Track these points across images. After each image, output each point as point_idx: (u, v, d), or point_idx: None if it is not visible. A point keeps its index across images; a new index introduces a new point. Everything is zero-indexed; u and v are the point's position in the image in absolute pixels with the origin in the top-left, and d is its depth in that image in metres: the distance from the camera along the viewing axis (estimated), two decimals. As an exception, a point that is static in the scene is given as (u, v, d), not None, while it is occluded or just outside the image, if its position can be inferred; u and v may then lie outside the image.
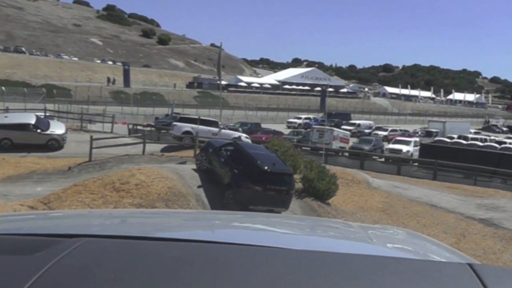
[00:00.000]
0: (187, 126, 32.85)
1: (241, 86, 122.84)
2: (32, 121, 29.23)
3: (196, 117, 35.32)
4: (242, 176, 17.61)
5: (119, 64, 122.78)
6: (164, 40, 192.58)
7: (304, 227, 2.75)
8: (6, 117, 30.11)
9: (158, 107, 70.47)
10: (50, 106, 48.22)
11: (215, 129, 33.08)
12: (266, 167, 17.54)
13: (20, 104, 49.86)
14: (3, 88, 60.81)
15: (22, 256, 1.32)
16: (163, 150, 29.25)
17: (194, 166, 20.43)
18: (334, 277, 1.35)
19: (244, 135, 35.49)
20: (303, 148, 35.44)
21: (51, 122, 31.66)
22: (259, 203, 17.02)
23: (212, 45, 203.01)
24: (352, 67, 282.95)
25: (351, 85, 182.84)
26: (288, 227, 2.64)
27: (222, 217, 2.87)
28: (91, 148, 23.70)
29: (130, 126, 40.61)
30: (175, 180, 18.20)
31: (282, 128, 60.26)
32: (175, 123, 34.17)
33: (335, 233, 2.54)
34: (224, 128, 34.73)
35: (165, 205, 16.54)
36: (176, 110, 64.30)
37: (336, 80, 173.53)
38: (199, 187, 18.75)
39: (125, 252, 1.38)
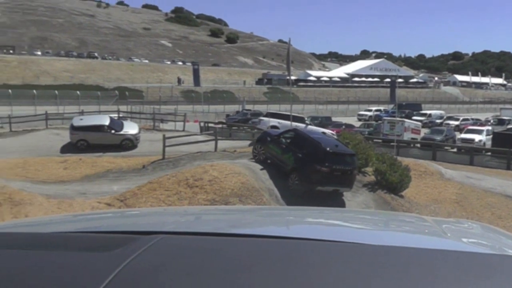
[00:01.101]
0: (274, 121, 32.74)
1: (310, 81, 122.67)
2: (106, 122, 29.96)
3: (285, 113, 35.11)
4: (307, 159, 18.19)
5: (189, 64, 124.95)
6: (232, 38, 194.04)
7: (378, 222, 2.72)
8: (81, 119, 31.06)
9: (229, 104, 70.99)
10: (123, 107, 49.36)
11: (302, 125, 32.82)
12: (329, 149, 18.22)
13: (94, 106, 51.35)
14: (78, 92, 62.70)
15: (101, 253, 1.34)
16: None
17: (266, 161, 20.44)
18: (409, 272, 1.32)
19: (329, 131, 35.09)
20: (375, 140, 34.77)
21: (125, 122, 32.37)
22: (326, 183, 17.82)
23: (280, 41, 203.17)
24: (421, 57, 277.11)
25: (420, 75, 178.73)
26: (362, 222, 2.60)
27: (296, 213, 2.87)
28: (164, 146, 23.98)
29: (202, 124, 40.96)
30: (248, 175, 18.26)
31: (353, 121, 59.56)
32: (262, 118, 34.08)
33: (409, 228, 2.50)
34: (310, 124, 34.43)
35: (238, 200, 16.66)
36: (247, 107, 64.58)
37: (405, 71, 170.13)
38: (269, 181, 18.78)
39: (201, 248, 1.39)
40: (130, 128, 30.61)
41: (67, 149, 28.52)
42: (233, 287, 1.11)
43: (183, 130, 35.48)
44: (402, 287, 1.23)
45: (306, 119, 34.03)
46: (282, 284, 1.15)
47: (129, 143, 29.42)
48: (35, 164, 24.00)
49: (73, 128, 29.20)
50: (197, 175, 18.06)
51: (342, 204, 18.50)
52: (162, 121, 41.47)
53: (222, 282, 1.14)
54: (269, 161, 20.06)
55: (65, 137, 29.93)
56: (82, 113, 38.51)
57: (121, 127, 30.18)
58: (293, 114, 35.62)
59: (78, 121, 30.22)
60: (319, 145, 18.44)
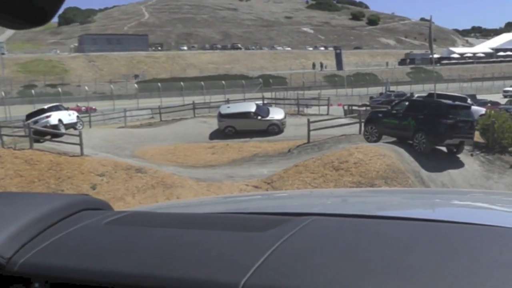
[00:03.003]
0: None
1: (454, 58, 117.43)
2: (253, 109, 30.68)
3: (446, 93, 34.16)
4: (431, 117, 18.93)
5: (331, 49, 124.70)
6: (373, 20, 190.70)
7: None
8: (228, 107, 32.04)
9: (372, 86, 70.06)
10: (267, 94, 50.16)
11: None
12: (450, 103, 19.96)
13: (239, 95, 52.69)
14: (223, 82, 64.60)
15: (254, 233, 1.36)
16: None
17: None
18: None
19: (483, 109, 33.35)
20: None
21: (271, 108, 32.89)
22: (453, 135, 18.77)
23: (422, 19, 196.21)
24: None
25: None
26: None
27: (443, 195, 2.78)
28: (308, 130, 24.06)
29: (346, 107, 40.57)
30: (393, 157, 17.98)
31: (498, 98, 56.24)
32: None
33: None
34: (473, 105, 33.12)
35: (384, 183, 16.49)
36: (391, 88, 63.14)
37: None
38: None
39: (354, 230, 1.37)
40: (276, 114, 31.03)
41: (215, 135, 29.58)
42: (392, 269, 1.11)
43: (327, 114, 35.29)
44: None
45: (468, 99, 32.47)
46: (441, 267, 1.11)
47: (275, 128, 29.80)
48: (184, 150, 25.11)
49: (221, 116, 30.20)
50: (342, 158, 18.00)
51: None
52: (306, 106, 41.60)
53: (379, 264, 1.14)
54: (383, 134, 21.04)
55: (212, 124, 30.95)
56: (227, 101, 39.57)
57: (267, 113, 30.69)
58: (454, 94, 34.37)
59: (225, 109, 31.23)
60: (439, 102, 20.17)
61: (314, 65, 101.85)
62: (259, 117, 29.90)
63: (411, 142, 19.50)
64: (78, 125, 30.18)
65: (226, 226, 1.47)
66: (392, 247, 1.23)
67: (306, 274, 1.12)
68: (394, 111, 20.90)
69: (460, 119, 18.87)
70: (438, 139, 18.84)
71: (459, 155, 19.87)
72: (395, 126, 20.20)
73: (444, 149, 19.97)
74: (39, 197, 1.78)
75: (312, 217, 1.45)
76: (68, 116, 29.87)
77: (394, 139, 20.73)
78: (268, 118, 30.09)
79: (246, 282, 1.12)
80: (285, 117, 30.99)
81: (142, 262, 1.27)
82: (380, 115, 21.44)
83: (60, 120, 28.17)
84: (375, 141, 20.73)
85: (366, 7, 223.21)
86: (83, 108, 48.68)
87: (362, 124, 25.36)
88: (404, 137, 19.80)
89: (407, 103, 21.33)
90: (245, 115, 29.93)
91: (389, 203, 2.37)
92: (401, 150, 18.87)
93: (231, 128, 29.51)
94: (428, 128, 18.76)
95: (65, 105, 33.54)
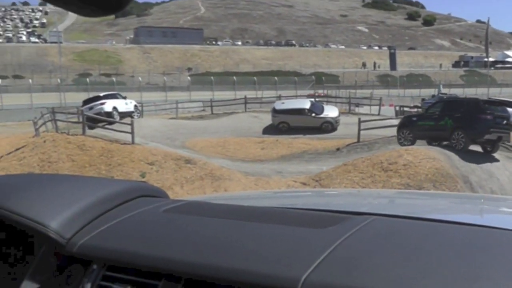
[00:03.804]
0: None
1: (509, 62, 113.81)
2: (307, 106, 30.69)
3: (504, 99, 33.42)
4: (468, 114, 19.06)
5: (385, 48, 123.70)
6: (429, 21, 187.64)
7: None
8: (283, 103, 32.08)
9: (424, 88, 68.86)
10: (319, 92, 49.89)
11: None
12: (486, 101, 20.51)
13: (291, 91, 52.47)
14: (276, 78, 64.55)
15: (316, 229, 1.35)
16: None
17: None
18: None
19: None
20: None
21: (325, 106, 32.80)
22: (492, 130, 18.69)
23: (478, 21, 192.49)
24: None
25: None
26: None
27: (490, 202, 2.72)
28: (359, 129, 23.91)
29: (397, 108, 40.27)
30: (442, 161, 17.62)
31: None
32: None
33: None
34: None
35: (432, 186, 16.21)
36: (443, 90, 62.03)
37: None
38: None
39: (414, 232, 1.36)
40: (331, 112, 30.96)
41: (268, 131, 29.73)
42: (454, 274, 1.10)
43: (378, 114, 34.99)
44: None
45: None
46: (503, 275, 1.10)
47: (329, 126, 29.72)
48: (234, 144, 25.29)
49: (275, 111, 30.33)
50: (392, 159, 17.76)
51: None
52: (357, 105, 41.34)
53: (441, 268, 1.13)
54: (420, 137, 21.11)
55: (263, 119, 31.07)
56: (279, 97, 39.55)
57: (322, 110, 30.64)
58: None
59: (280, 105, 31.31)
60: (476, 99, 21.06)
61: (364, 65, 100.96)
62: (313, 114, 29.85)
63: (447, 142, 19.61)
64: (135, 114, 30.67)
65: (286, 221, 1.46)
66: (454, 251, 1.22)
67: (367, 273, 1.12)
68: (430, 113, 21.04)
69: (497, 114, 19.02)
70: (477, 135, 18.86)
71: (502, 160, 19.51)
72: (431, 127, 20.26)
73: (479, 149, 19.82)
74: (99, 181, 1.81)
75: (373, 217, 1.45)
76: (125, 105, 30.36)
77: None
78: (322, 115, 30.03)
79: (307, 277, 1.12)
80: (339, 115, 30.89)
81: (200, 251, 1.27)
82: (414, 118, 21.63)
83: (114, 108, 28.67)
84: (410, 145, 20.42)
85: (423, 7, 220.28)
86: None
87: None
88: (441, 137, 19.94)
89: (442, 104, 21.66)
90: (299, 111, 29.91)
91: (446, 207, 2.35)
92: (451, 154, 18.52)
93: (285, 124, 29.57)
94: (467, 124, 18.87)
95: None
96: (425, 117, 21.01)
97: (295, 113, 29.63)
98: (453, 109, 19.99)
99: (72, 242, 1.39)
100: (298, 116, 29.52)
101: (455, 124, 19.28)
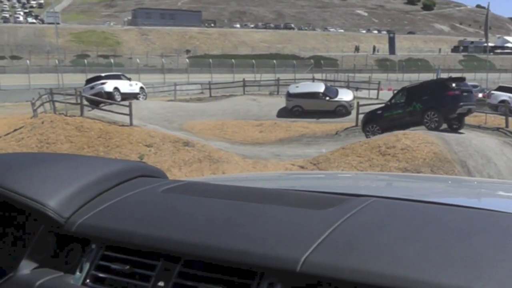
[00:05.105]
0: (505, 95, 31.60)
1: (508, 48, 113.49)
2: (322, 89, 30.77)
3: None
4: (436, 95, 19.81)
5: (384, 32, 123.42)
6: (428, 5, 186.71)
7: None
8: (297, 87, 32.13)
9: (423, 72, 68.64)
10: (317, 75, 50.02)
11: None
12: (447, 78, 21.55)
13: (289, 75, 52.45)
14: (274, 61, 64.53)
15: (316, 210, 1.34)
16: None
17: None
18: None
19: None
20: None
21: (340, 89, 32.80)
22: (462, 103, 19.45)
23: (478, 6, 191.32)
24: None
25: None
26: None
27: (488, 185, 2.71)
28: (357, 113, 23.98)
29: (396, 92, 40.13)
30: (441, 146, 17.70)
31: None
32: (493, 91, 33.30)
33: None
34: None
35: (430, 170, 16.29)
36: (442, 75, 62.01)
37: None
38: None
39: (414, 214, 1.36)
40: (345, 95, 31.07)
41: (282, 114, 29.92)
42: (453, 255, 1.10)
43: (377, 98, 34.98)
44: None
45: None
46: (502, 257, 1.10)
47: (342, 110, 29.75)
48: (232, 127, 25.34)
49: (289, 95, 30.45)
50: (390, 143, 17.86)
51: None
52: (356, 89, 41.27)
53: (441, 249, 1.13)
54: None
55: (261, 102, 31.11)
56: (278, 80, 39.47)
57: (336, 94, 30.73)
58: None
59: (294, 89, 31.41)
60: (440, 78, 22.60)
61: (357, 48, 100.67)
62: (328, 98, 29.84)
63: (418, 126, 19.93)
64: (141, 96, 30.48)
65: (285, 202, 1.45)
66: (453, 232, 1.22)
67: (367, 253, 1.12)
68: (395, 103, 21.65)
69: (464, 89, 19.90)
70: (449, 111, 19.56)
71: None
72: (400, 115, 20.79)
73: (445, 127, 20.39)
74: (97, 160, 1.80)
75: (373, 198, 1.44)
76: (129, 86, 30.09)
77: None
78: (336, 99, 30.10)
79: (307, 258, 1.12)
80: (353, 98, 30.82)
81: (199, 232, 1.27)
82: (379, 111, 21.91)
83: (116, 89, 28.47)
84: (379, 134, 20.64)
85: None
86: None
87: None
88: (413, 122, 20.26)
89: (406, 91, 21.95)
90: (313, 95, 30.01)
91: (444, 190, 2.35)
92: (450, 139, 18.60)
93: (299, 108, 29.64)
94: (438, 103, 19.56)
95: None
96: (391, 107, 21.53)
97: (309, 97, 29.71)
98: (419, 93, 20.66)
99: (70, 222, 1.38)
100: (312, 100, 29.58)
101: (424, 106, 19.97)
